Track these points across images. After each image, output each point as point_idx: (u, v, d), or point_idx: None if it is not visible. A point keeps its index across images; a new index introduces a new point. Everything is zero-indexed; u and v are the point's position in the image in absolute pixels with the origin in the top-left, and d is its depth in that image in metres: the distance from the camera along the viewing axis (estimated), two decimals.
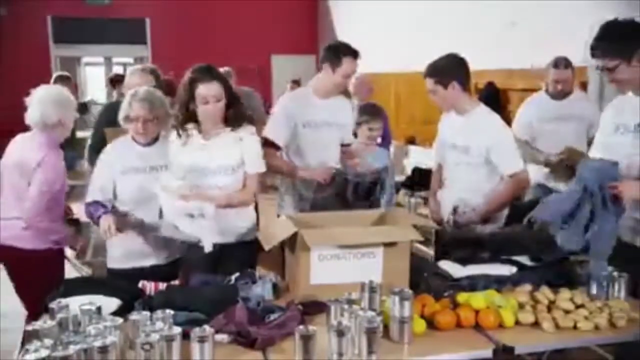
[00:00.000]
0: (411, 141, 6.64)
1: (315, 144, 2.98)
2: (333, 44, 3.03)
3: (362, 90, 4.78)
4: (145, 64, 3.57)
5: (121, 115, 2.61)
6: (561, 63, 3.95)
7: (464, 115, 2.84)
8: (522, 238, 2.57)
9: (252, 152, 2.59)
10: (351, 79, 4.71)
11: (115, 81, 7.24)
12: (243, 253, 2.59)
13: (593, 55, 2.33)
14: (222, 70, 5.87)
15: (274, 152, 2.90)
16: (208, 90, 2.45)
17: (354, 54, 2.94)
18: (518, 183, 2.79)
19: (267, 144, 2.84)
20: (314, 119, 2.97)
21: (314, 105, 2.97)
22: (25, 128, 2.89)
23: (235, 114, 2.55)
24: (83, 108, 6.03)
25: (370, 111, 3.39)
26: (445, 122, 3.01)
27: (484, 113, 2.85)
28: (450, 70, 2.80)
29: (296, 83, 7.00)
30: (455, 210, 2.84)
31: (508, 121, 4.76)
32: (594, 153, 2.53)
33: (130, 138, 2.65)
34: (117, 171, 2.61)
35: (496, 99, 5.38)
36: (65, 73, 6.53)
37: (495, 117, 2.87)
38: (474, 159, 2.79)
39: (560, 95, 3.92)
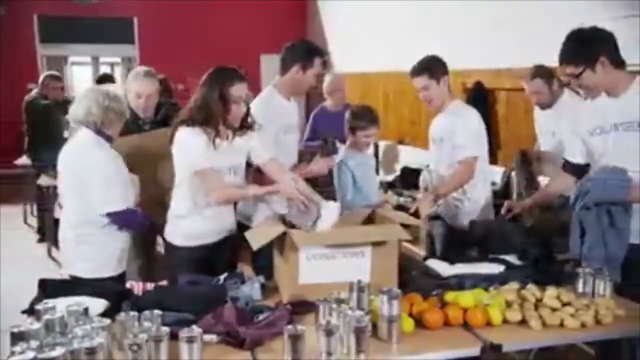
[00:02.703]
0: (400, 141, 6.66)
1: (288, 147, 2.94)
2: (301, 44, 2.96)
3: (337, 91, 4.63)
4: (148, 69, 3.35)
5: (123, 115, 2.67)
6: (529, 74, 3.71)
7: (444, 111, 3.04)
8: (510, 236, 2.59)
9: (256, 143, 2.61)
10: (325, 80, 4.69)
11: (105, 81, 7.25)
12: (229, 249, 2.63)
13: (560, 63, 2.39)
14: None
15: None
16: (241, 90, 2.47)
17: (321, 53, 2.96)
18: (464, 169, 2.94)
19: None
20: (288, 121, 2.93)
21: (285, 108, 2.93)
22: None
23: (245, 119, 2.56)
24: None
25: (368, 118, 3.13)
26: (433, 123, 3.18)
27: (458, 106, 3.08)
28: (439, 66, 2.98)
29: None
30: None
31: (496, 120, 4.82)
32: (571, 158, 2.58)
33: (105, 141, 2.63)
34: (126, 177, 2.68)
35: (484, 98, 5.41)
36: (55, 72, 6.49)
37: (462, 110, 3.05)
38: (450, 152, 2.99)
39: (541, 107, 3.74)
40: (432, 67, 2.95)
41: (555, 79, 3.60)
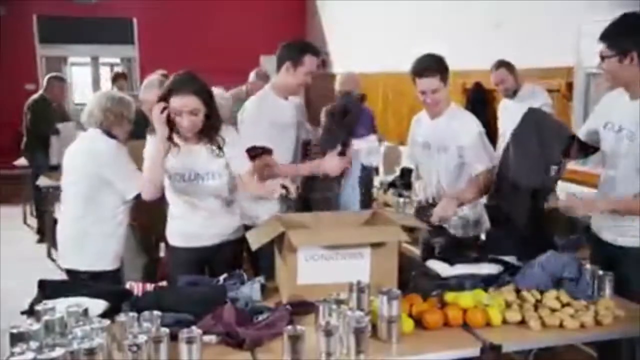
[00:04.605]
0: (402, 142, 6.66)
1: (283, 145, 2.93)
2: (292, 42, 2.94)
3: (350, 90, 4.50)
4: (160, 76, 3.25)
5: (125, 117, 2.80)
6: (493, 66, 4.36)
7: (443, 114, 2.79)
8: (508, 239, 2.58)
9: (237, 153, 2.53)
10: (337, 78, 4.68)
11: (118, 79, 7.33)
12: (230, 252, 2.61)
13: (600, 38, 2.28)
14: (256, 71, 5.73)
15: (270, 158, 2.78)
16: (181, 103, 2.33)
17: (314, 51, 2.91)
18: (487, 178, 2.70)
19: (256, 152, 2.74)
20: (282, 120, 2.92)
21: (280, 107, 2.93)
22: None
23: (209, 130, 2.44)
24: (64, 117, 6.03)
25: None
26: (423, 124, 2.94)
27: (457, 110, 2.86)
28: (445, 66, 2.76)
29: None
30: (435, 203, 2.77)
31: (495, 120, 4.83)
32: (584, 138, 2.54)
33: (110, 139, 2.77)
34: None
35: (484, 99, 5.42)
36: (59, 74, 6.51)
37: (465, 116, 2.84)
38: (453, 159, 2.77)
39: (508, 96, 4.35)
40: (441, 67, 2.73)
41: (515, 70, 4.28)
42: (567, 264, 2.21)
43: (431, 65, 2.70)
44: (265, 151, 2.78)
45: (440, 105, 2.77)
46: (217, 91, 3.55)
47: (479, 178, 2.72)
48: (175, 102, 2.34)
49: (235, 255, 2.66)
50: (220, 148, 2.47)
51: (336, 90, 4.67)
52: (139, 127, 3.07)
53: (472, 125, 2.79)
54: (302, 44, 2.94)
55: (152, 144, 2.44)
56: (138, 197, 2.66)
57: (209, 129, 2.44)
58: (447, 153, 2.78)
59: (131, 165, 2.70)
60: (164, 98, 2.37)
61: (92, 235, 2.71)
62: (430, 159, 2.88)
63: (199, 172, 2.47)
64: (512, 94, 4.44)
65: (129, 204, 2.77)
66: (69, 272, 2.74)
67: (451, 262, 2.43)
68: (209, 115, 2.42)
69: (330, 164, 2.80)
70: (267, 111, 2.85)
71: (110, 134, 2.75)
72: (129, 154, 2.76)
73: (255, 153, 2.75)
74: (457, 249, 2.77)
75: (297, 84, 2.90)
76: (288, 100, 2.98)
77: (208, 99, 2.41)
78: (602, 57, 2.27)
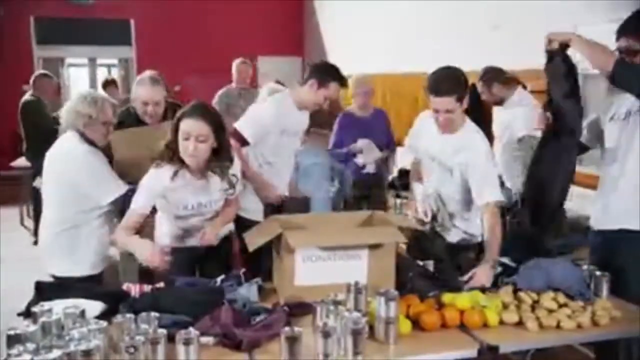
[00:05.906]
0: (399, 143, 6.66)
1: (285, 150, 3.12)
2: (325, 65, 3.08)
3: (357, 95, 4.23)
4: (152, 73, 3.23)
5: (95, 120, 2.68)
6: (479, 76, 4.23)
7: (457, 132, 2.59)
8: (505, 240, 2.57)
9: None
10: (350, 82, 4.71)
11: (108, 86, 7.30)
12: (220, 249, 2.63)
13: (621, 32, 2.22)
14: (237, 61, 5.75)
15: (240, 148, 2.93)
16: (191, 126, 2.28)
17: (341, 80, 3.00)
18: (495, 216, 2.46)
19: (236, 136, 2.90)
20: (292, 128, 3.08)
21: (294, 115, 3.07)
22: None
23: (216, 166, 2.39)
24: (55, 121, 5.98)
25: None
26: (428, 131, 2.72)
27: (471, 129, 2.62)
28: (465, 83, 2.52)
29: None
30: (434, 217, 2.66)
31: (492, 122, 4.84)
32: (584, 137, 2.54)
33: (86, 143, 2.71)
34: None
35: (480, 101, 5.42)
36: (46, 71, 6.44)
37: (479, 141, 2.59)
38: (457, 182, 2.62)
39: (496, 104, 4.26)
40: (459, 87, 2.47)
41: (495, 82, 4.14)
42: (573, 276, 2.19)
43: (448, 85, 2.46)
44: (242, 141, 2.93)
45: (453, 125, 2.57)
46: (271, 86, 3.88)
47: (492, 223, 2.43)
48: (186, 124, 2.29)
49: (226, 252, 2.69)
50: (233, 186, 2.47)
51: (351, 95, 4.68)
52: (130, 125, 3.08)
53: (479, 142, 2.58)
54: (333, 69, 3.02)
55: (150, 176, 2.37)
56: (116, 202, 2.62)
57: (217, 165, 2.38)
58: (451, 175, 2.62)
59: (106, 170, 2.64)
60: (177, 122, 2.32)
61: (67, 240, 2.64)
62: (431, 169, 2.75)
63: (202, 201, 2.48)
64: (499, 102, 4.25)
65: (108, 209, 2.68)
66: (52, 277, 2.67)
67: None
68: (218, 150, 2.36)
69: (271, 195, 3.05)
70: (282, 116, 2.99)
71: (86, 139, 2.66)
72: (123, 143, 2.76)
73: (237, 136, 2.89)
74: (456, 251, 2.77)
75: (314, 102, 3.02)
76: (301, 112, 3.11)
77: (219, 131, 2.33)
78: (633, 51, 2.18)
